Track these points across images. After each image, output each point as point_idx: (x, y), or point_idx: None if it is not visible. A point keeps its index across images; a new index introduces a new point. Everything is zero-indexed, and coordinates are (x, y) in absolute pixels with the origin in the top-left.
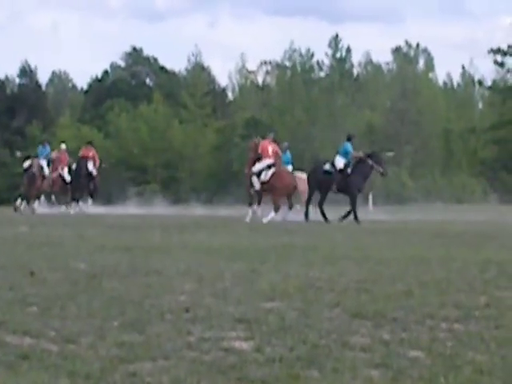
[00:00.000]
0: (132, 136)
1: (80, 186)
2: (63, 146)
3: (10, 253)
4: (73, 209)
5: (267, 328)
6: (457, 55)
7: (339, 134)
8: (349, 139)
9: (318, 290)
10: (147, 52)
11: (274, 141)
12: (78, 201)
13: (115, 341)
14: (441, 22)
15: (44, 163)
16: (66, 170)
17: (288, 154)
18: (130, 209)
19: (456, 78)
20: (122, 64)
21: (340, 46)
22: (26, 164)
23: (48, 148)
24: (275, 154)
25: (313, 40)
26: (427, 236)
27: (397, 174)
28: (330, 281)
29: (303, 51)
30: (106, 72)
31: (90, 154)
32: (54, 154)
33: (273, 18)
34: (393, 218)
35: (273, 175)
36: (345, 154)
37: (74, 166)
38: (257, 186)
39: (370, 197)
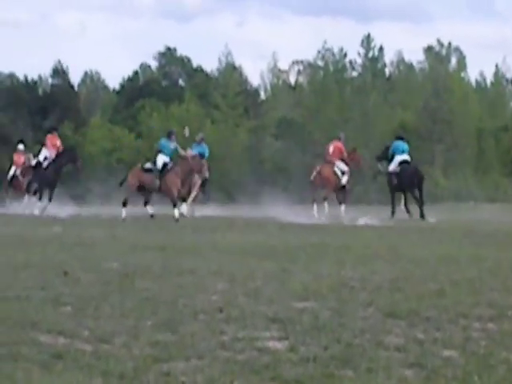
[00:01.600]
0: (164, 136)
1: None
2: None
3: (43, 253)
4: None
5: (301, 327)
6: (488, 54)
7: (372, 134)
8: (401, 138)
9: (350, 290)
10: (181, 52)
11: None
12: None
13: (149, 340)
14: (470, 21)
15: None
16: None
17: (203, 145)
18: (162, 209)
19: (488, 77)
20: (154, 64)
21: (372, 45)
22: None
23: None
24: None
25: (343, 39)
26: (459, 235)
27: (429, 173)
28: (363, 280)
29: (336, 51)
30: (136, 72)
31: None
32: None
33: (301, 17)
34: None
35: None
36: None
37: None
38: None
39: (403, 196)
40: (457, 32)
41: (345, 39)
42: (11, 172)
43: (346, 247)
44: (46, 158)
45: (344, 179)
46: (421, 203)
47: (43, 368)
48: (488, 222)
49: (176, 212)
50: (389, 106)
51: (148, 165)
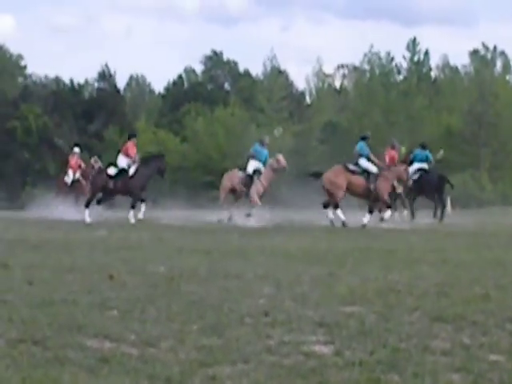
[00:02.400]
0: (209, 140)
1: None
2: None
3: (88, 256)
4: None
5: (347, 332)
6: None
7: (417, 138)
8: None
9: (397, 294)
10: (227, 56)
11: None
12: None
13: (195, 344)
14: None
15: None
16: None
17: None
18: (208, 213)
19: None
20: (199, 68)
21: (418, 49)
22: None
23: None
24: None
25: (388, 43)
26: (505, 239)
27: (475, 176)
28: (409, 284)
29: (382, 54)
30: (180, 76)
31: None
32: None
33: (345, 21)
34: (471, 220)
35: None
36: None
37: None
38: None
39: (448, 200)
40: (502, 35)
41: (389, 43)
42: (70, 175)
43: (392, 251)
44: (129, 166)
45: (399, 189)
46: (442, 206)
47: (89, 372)
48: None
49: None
50: (434, 110)
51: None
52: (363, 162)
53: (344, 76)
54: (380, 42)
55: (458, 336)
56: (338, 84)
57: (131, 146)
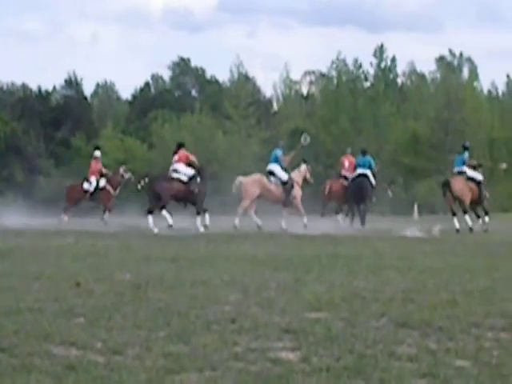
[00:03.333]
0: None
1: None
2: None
3: (55, 264)
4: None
5: (313, 338)
6: (499, 63)
7: (384, 144)
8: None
9: (363, 300)
10: (195, 63)
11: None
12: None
13: (162, 352)
14: (480, 31)
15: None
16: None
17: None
18: (175, 219)
19: (500, 87)
20: (167, 74)
21: (384, 55)
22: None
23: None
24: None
25: (354, 49)
26: (471, 245)
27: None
28: (375, 290)
29: (350, 61)
30: (147, 83)
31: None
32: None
33: (310, 27)
34: (437, 227)
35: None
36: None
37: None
38: None
39: (415, 207)
40: (468, 42)
41: (356, 49)
42: (93, 182)
43: (358, 257)
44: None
45: None
46: (362, 214)
47: (56, 380)
48: (501, 231)
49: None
50: (401, 117)
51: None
52: None
53: (311, 83)
54: (347, 48)
55: (424, 342)
56: (305, 91)
57: (187, 154)
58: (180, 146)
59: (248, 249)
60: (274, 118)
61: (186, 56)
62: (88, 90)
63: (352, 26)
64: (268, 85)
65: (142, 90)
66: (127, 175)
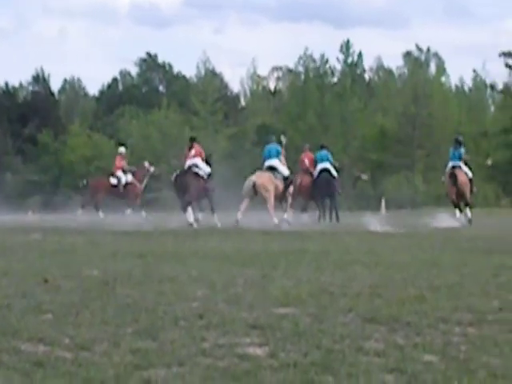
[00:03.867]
0: (143, 143)
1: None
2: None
3: (23, 260)
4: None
5: (281, 334)
6: (465, 59)
7: (351, 140)
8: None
9: (330, 295)
10: (162, 58)
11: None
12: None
13: (129, 348)
14: (447, 26)
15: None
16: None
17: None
18: (143, 215)
19: (467, 82)
20: (134, 70)
21: (351, 51)
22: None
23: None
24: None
25: (321, 45)
26: (439, 240)
27: (409, 178)
28: (343, 286)
29: (317, 56)
30: (115, 79)
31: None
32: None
33: (278, 23)
34: (405, 222)
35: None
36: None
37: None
38: None
39: (383, 201)
40: (434, 37)
41: (323, 45)
42: (121, 177)
43: (325, 253)
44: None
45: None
46: (335, 210)
47: (24, 376)
48: (468, 226)
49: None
50: (369, 112)
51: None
52: None
53: (279, 78)
54: (314, 44)
55: (392, 337)
56: (272, 86)
57: (201, 150)
58: (193, 139)
59: (215, 244)
60: (241, 113)
61: (153, 52)
62: (55, 86)
63: (319, 21)
64: (235, 80)
65: (109, 86)
66: (152, 169)
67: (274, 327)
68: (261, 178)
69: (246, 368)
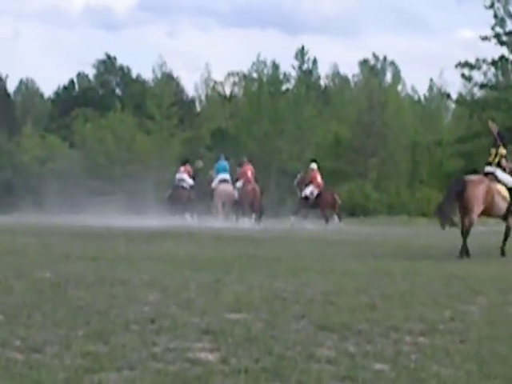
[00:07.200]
0: (97, 146)
1: None
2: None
3: None
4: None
5: (233, 339)
6: (419, 68)
7: (306, 146)
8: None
9: (283, 302)
10: (120, 61)
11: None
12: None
13: (80, 351)
14: (400, 35)
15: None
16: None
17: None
18: (96, 218)
19: (423, 91)
20: (92, 73)
21: (306, 58)
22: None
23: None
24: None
25: (276, 51)
26: (391, 249)
27: (361, 186)
28: (295, 292)
29: (269, 63)
30: (72, 81)
31: None
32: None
33: (230, 28)
34: (357, 230)
35: None
36: None
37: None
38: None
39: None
40: (387, 46)
41: (278, 51)
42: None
43: (278, 259)
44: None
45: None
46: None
47: None
48: (420, 235)
49: None
50: (323, 119)
51: None
52: None
53: (234, 84)
54: (268, 50)
55: (343, 344)
56: (228, 91)
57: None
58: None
59: (168, 248)
60: (196, 118)
61: (112, 54)
62: (11, 87)
63: (272, 28)
64: (191, 85)
65: (65, 88)
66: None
67: (225, 332)
68: (229, 188)
69: (197, 373)
